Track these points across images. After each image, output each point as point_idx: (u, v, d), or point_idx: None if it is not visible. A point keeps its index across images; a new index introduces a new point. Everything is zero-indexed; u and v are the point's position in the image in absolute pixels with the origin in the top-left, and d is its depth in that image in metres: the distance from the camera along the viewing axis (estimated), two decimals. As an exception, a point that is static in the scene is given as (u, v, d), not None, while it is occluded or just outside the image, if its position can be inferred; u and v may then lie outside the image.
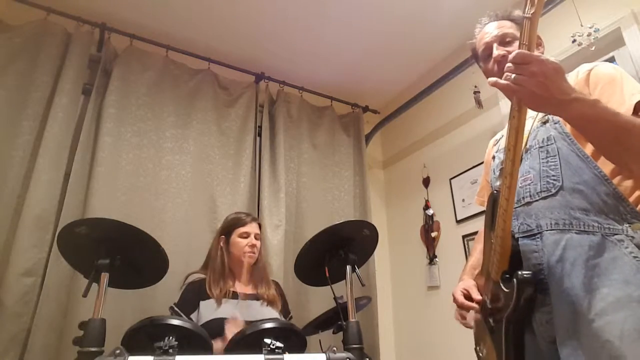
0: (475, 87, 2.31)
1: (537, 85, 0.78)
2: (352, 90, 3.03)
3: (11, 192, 1.82)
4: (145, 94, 2.27)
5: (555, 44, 1.94)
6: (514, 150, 0.88)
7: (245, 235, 1.81)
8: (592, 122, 0.84)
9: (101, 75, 2.19)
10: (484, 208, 1.36)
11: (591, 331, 0.81)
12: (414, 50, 2.68)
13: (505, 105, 2.20)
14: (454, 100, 2.62)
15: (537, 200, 0.99)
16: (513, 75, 0.79)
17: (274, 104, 2.74)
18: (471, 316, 1.14)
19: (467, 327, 1.20)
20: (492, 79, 0.84)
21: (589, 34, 1.73)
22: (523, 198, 1.02)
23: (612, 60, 1.86)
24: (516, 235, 0.99)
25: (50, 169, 1.89)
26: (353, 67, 2.84)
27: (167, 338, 1.02)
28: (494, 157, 1.23)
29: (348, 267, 1.38)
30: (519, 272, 0.92)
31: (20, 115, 1.94)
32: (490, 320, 1.05)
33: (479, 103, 2.31)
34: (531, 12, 0.80)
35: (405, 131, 3.05)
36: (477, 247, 1.31)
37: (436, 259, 2.56)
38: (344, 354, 1.13)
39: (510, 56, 0.80)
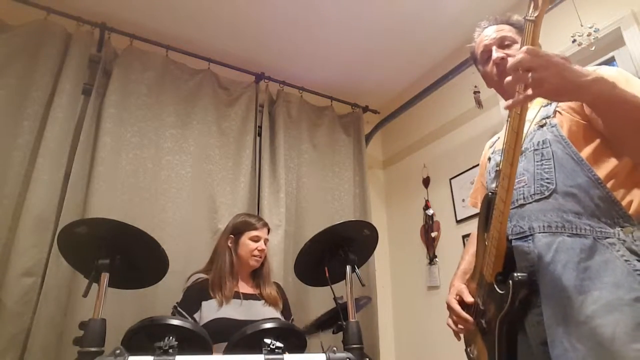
0: (475, 87, 2.31)
1: (553, 76, 0.77)
2: (352, 90, 3.02)
3: (11, 192, 1.82)
4: (145, 94, 2.27)
5: (555, 44, 1.94)
6: (513, 152, 0.87)
7: (256, 239, 1.83)
8: (615, 103, 0.83)
9: (101, 75, 2.19)
10: (477, 209, 1.36)
11: (582, 333, 0.81)
12: (414, 50, 2.68)
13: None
14: (454, 100, 2.62)
15: (530, 203, 0.99)
16: (530, 74, 0.77)
17: (274, 104, 2.74)
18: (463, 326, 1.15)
19: (457, 335, 1.20)
20: (507, 103, 0.81)
21: (589, 34, 1.73)
22: (517, 200, 1.02)
23: (612, 60, 1.86)
24: (509, 237, 0.99)
25: (50, 169, 1.89)
26: (353, 67, 2.84)
27: (167, 338, 1.02)
28: (489, 159, 1.23)
29: (348, 267, 1.38)
30: (515, 274, 0.92)
31: (20, 115, 1.94)
32: (482, 322, 1.05)
33: (479, 103, 2.31)
34: (535, 15, 0.80)
35: (405, 131, 3.05)
36: (469, 251, 1.31)
37: (436, 259, 2.56)
38: (344, 354, 1.13)
39: (518, 55, 0.78)
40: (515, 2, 2.23)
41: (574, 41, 1.77)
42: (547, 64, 0.76)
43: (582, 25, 1.77)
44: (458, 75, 2.46)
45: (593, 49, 1.73)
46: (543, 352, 0.88)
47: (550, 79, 0.76)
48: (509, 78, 0.79)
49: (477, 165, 1.39)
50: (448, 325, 1.20)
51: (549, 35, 2.05)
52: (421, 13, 2.39)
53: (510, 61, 0.79)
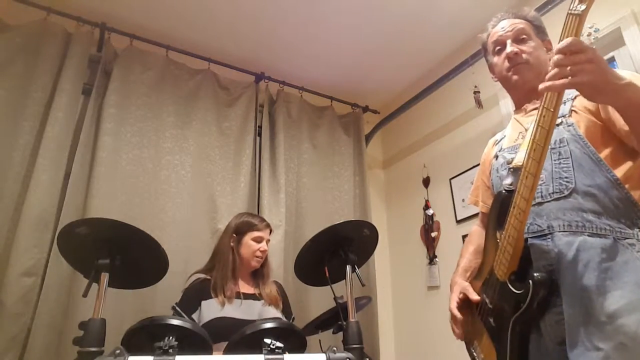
0: (475, 87, 2.31)
1: (594, 72, 0.75)
2: (352, 90, 3.02)
3: (11, 192, 1.82)
4: (145, 94, 2.27)
5: (555, 45, 1.94)
6: (542, 149, 0.86)
7: (259, 240, 1.84)
8: None
9: (101, 75, 2.19)
10: (477, 207, 1.36)
11: (604, 333, 0.81)
12: (414, 50, 2.68)
13: (505, 105, 2.20)
14: (454, 100, 2.62)
15: (548, 201, 0.98)
16: (568, 67, 0.76)
17: (274, 104, 2.74)
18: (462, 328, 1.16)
19: (458, 337, 1.20)
20: (546, 84, 0.79)
21: (589, 34, 1.73)
22: (534, 198, 1.00)
23: (612, 60, 1.86)
24: (525, 236, 0.98)
25: (50, 169, 1.89)
26: (353, 67, 2.83)
27: (167, 338, 1.02)
28: (496, 157, 1.21)
29: (348, 267, 1.38)
30: (535, 274, 0.90)
31: (20, 115, 1.93)
32: (491, 320, 1.04)
33: (479, 103, 2.31)
34: (581, 8, 0.78)
35: (405, 131, 3.05)
36: (469, 249, 1.30)
37: (436, 259, 2.56)
38: (344, 354, 1.12)
39: (563, 44, 0.77)
40: (515, 2, 2.23)
41: (574, 41, 1.76)
42: (589, 60, 0.75)
43: (582, 25, 1.76)
44: (458, 75, 2.46)
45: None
46: (560, 352, 0.87)
47: (592, 73, 0.75)
48: (555, 57, 0.78)
49: (478, 165, 1.38)
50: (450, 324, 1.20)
51: (551, 34, 2.05)
52: (421, 13, 2.39)
53: (558, 45, 0.78)
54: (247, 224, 1.86)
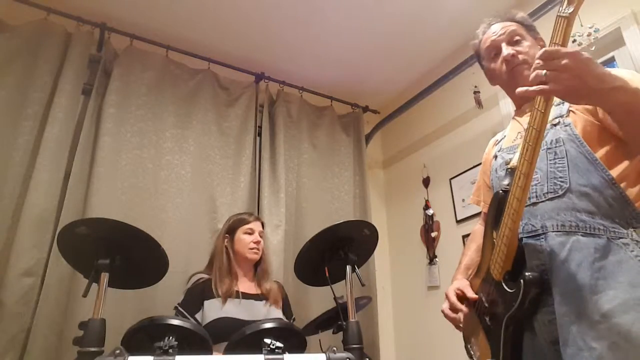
0: (475, 87, 2.31)
1: (571, 79, 0.77)
2: (352, 90, 3.02)
3: (11, 192, 1.82)
4: (145, 94, 2.27)
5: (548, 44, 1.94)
6: (534, 150, 0.87)
7: (250, 232, 1.86)
8: (634, 113, 0.83)
9: (101, 75, 2.19)
10: (479, 207, 1.36)
11: (597, 333, 0.81)
12: (414, 50, 2.68)
13: (505, 105, 2.20)
14: (454, 100, 2.62)
15: (543, 201, 0.98)
16: (544, 72, 0.77)
17: (274, 104, 2.74)
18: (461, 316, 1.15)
19: (455, 325, 1.20)
20: (522, 89, 0.82)
21: (589, 34, 1.72)
22: (529, 198, 1.01)
23: (612, 60, 1.86)
24: (520, 235, 0.98)
25: (50, 169, 1.89)
26: (353, 67, 2.83)
27: (167, 338, 1.02)
28: (495, 157, 1.22)
29: (348, 267, 1.38)
30: (527, 274, 0.91)
31: (20, 115, 1.93)
32: (487, 319, 1.05)
33: (479, 103, 2.31)
34: (569, 11, 0.79)
35: (405, 131, 3.05)
36: (471, 247, 1.30)
37: (436, 259, 2.56)
38: (344, 354, 1.13)
39: (538, 54, 0.79)
40: (515, 2, 2.24)
41: (574, 41, 1.77)
42: (564, 67, 0.76)
43: (582, 25, 1.76)
44: (458, 76, 2.46)
45: (593, 49, 1.73)
46: (554, 352, 0.87)
47: (568, 81, 0.77)
48: (533, 74, 0.80)
49: (478, 165, 1.38)
50: (442, 311, 1.19)
51: (548, 35, 2.04)
52: (421, 13, 2.39)
53: (533, 66, 0.80)
54: (237, 221, 1.89)
